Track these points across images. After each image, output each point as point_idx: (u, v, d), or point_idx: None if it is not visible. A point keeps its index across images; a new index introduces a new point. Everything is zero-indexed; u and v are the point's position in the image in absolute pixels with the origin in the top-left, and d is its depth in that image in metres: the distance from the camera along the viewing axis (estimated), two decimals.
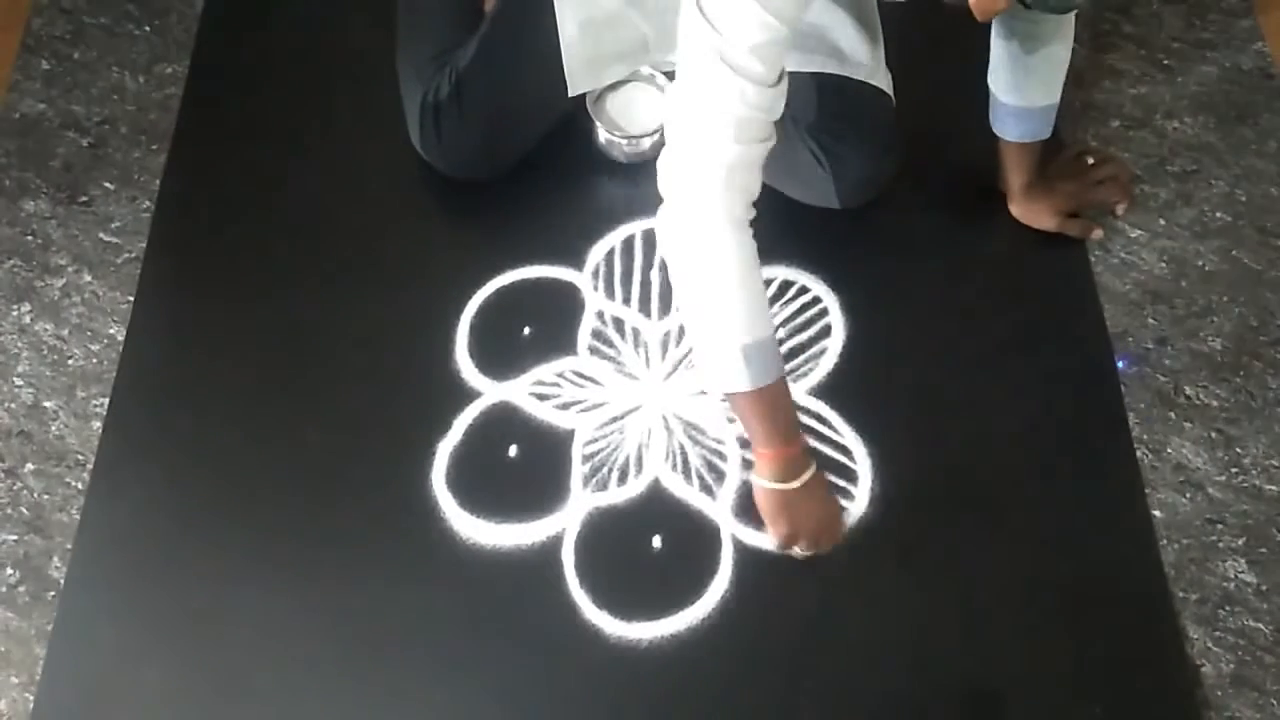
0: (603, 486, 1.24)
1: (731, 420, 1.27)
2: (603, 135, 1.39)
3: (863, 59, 1.31)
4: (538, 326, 1.34)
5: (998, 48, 1.24)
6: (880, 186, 1.34)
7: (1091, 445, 1.27)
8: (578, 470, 1.25)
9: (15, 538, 1.23)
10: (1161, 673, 1.15)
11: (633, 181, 1.43)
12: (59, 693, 1.14)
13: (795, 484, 1.09)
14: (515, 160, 1.39)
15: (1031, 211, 1.36)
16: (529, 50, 1.31)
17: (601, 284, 1.36)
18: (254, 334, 1.34)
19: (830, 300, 1.35)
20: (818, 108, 1.29)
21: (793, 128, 1.30)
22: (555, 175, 1.42)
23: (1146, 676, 1.14)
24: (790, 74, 1.29)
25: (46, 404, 1.31)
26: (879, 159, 1.32)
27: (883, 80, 1.31)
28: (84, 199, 1.45)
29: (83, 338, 1.35)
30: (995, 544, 1.21)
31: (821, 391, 1.29)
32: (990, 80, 1.27)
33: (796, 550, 1.13)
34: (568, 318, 1.34)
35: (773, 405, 1.06)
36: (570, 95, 1.31)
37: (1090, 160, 1.39)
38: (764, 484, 1.10)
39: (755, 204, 1.02)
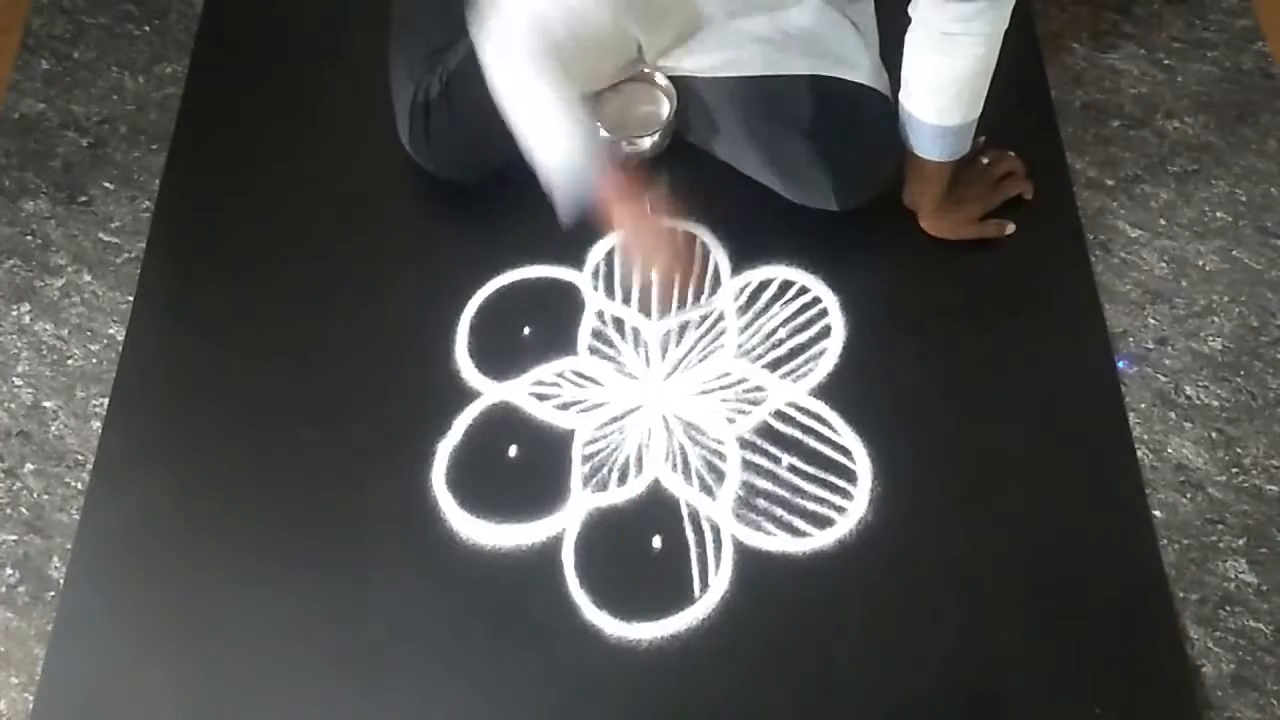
0: (603, 487, 1.24)
1: (731, 421, 1.27)
2: (603, 135, 1.39)
3: (859, 61, 1.30)
4: (538, 326, 1.34)
5: (920, 67, 1.22)
6: (878, 188, 1.33)
7: (1091, 445, 1.26)
8: (578, 470, 1.25)
9: (15, 538, 1.23)
10: (1161, 673, 1.14)
11: None
12: (59, 693, 1.14)
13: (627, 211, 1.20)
14: (503, 163, 1.38)
15: (946, 225, 1.36)
16: None
17: (601, 284, 1.36)
18: (254, 334, 1.34)
19: (830, 300, 1.35)
20: (814, 111, 1.29)
21: (789, 131, 1.30)
22: None
23: (1146, 676, 1.14)
24: (786, 77, 1.30)
25: (46, 404, 1.31)
26: (876, 161, 1.32)
27: (879, 82, 1.31)
28: (83, 199, 1.45)
29: (82, 338, 1.35)
30: (995, 544, 1.20)
31: (821, 391, 1.29)
32: (909, 102, 1.26)
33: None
34: (568, 318, 1.34)
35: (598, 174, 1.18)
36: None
37: (985, 160, 1.38)
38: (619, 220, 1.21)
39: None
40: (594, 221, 1.23)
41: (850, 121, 1.30)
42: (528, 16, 1.15)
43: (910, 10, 1.19)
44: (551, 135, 1.15)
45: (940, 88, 1.23)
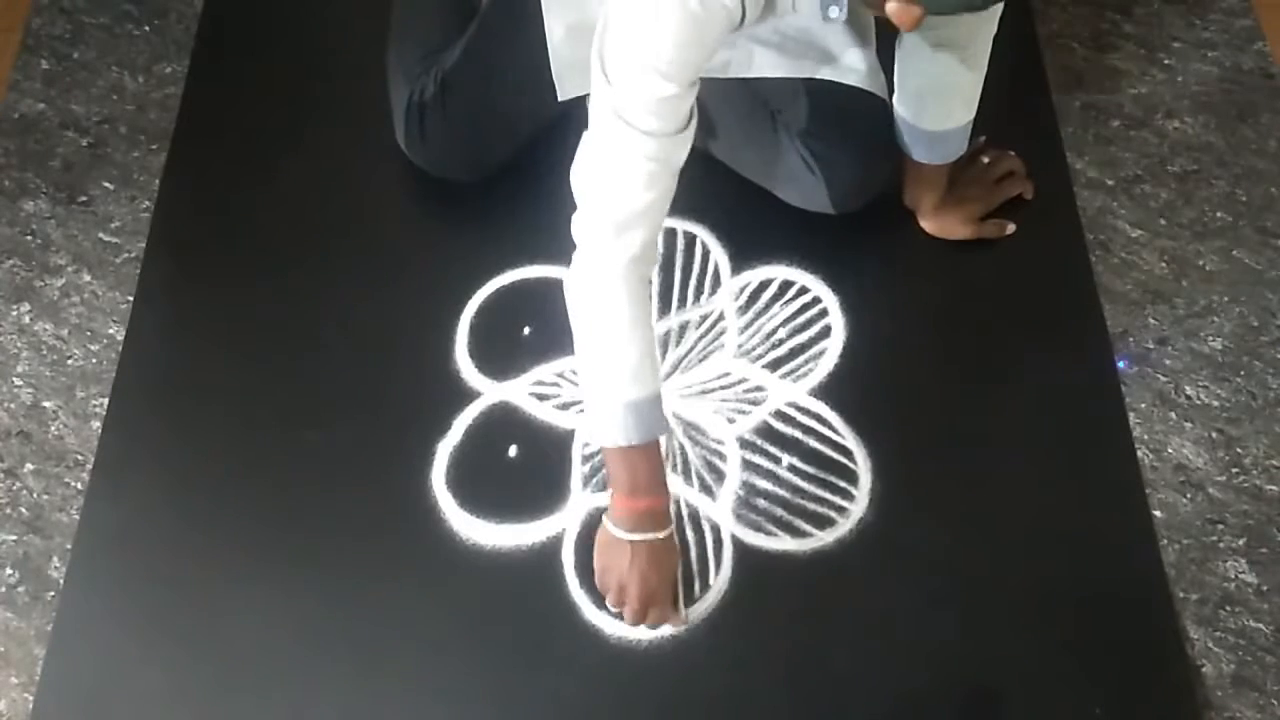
0: (603, 486, 1.23)
1: (731, 421, 1.27)
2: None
3: (855, 63, 1.30)
4: (538, 326, 1.34)
5: (912, 73, 1.23)
6: (874, 191, 1.33)
7: (1091, 445, 1.26)
8: (578, 470, 1.25)
9: (15, 538, 1.23)
10: (1161, 673, 1.14)
11: None
12: (58, 693, 1.14)
13: (638, 537, 1.10)
14: (500, 164, 1.38)
15: (946, 225, 1.36)
16: (516, 53, 1.30)
17: None
18: (253, 334, 1.34)
19: (830, 300, 1.35)
20: (809, 114, 1.29)
21: (784, 134, 1.30)
22: (555, 175, 1.40)
23: (1146, 676, 1.14)
24: (781, 80, 1.30)
25: (46, 404, 1.31)
26: (871, 164, 1.31)
27: (876, 85, 1.31)
28: (83, 199, 1.45)
29: (82, 338, 1.35)
30: (995, 544, 1.20)
31: (821, 391, 1.29)
32: (902, 107, 1.26)
33: (620, 613, 1.13)
34: (567, 318, 1.33)
35: (643, 460, 1.09)
36: (560, 100, 1.29)
37: (985, 159, 1.39)
38: (609, 528, 1.11)
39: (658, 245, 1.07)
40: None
41: (847, 125, 1.29)
42: (632, 242, 1.02)
43: None
44: (608, 401, 1.06)
45: (932, 94, 1.24)
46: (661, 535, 1.11)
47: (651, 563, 1.11)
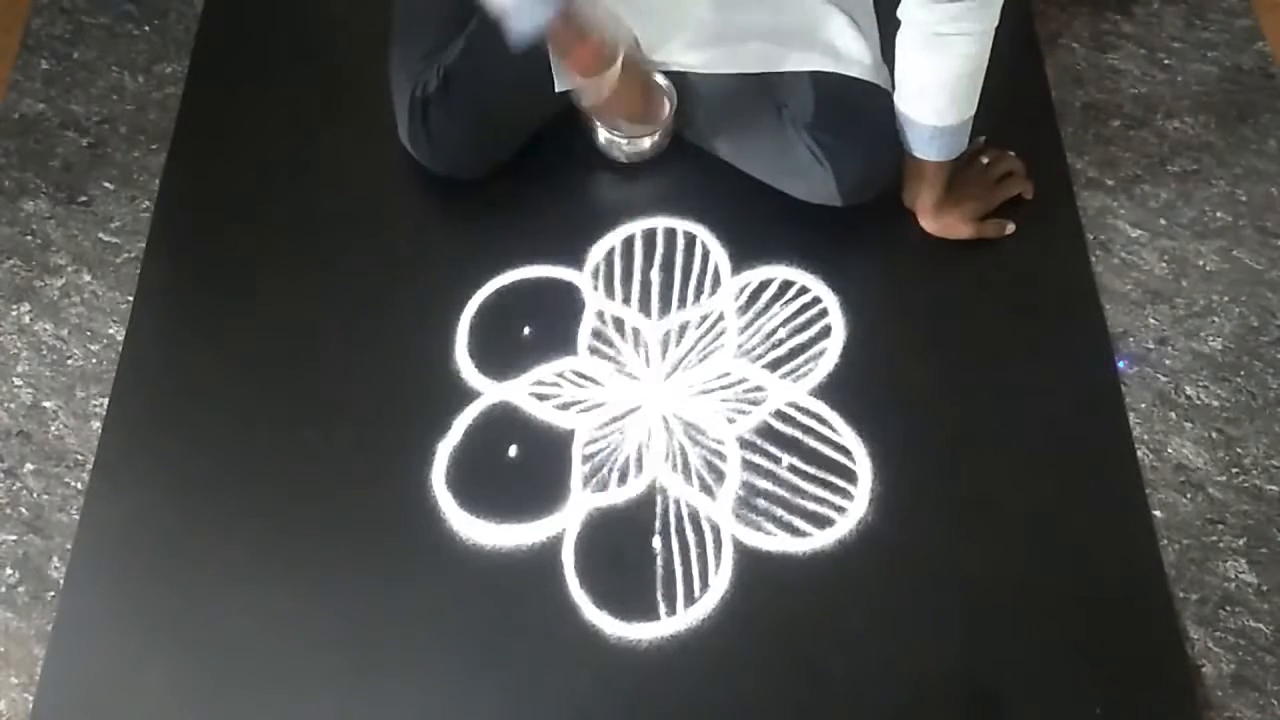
0: (603, 487, 1.23)
1: (731, 421, 1.27)
2: (603, 135, 1.39)
3: (860, 56, 1.30)
4: (538, 326, 1.34)
5: (913, 68, 1.23)
6: (882, 183, 1.33)
7: (1091, 445, 1.26)
8: (578, 470, 1.25)
9: (15, 538, 1.23)
10: (1161, 673, 1.15)
11: (633, 181, 1.42)
12: (58, 693, 1.14)
13: (616, 69, 1.17)
14: (503, 159, 1.39)
15: (946, 225, 1.36)
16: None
17: (601, 284, 1.36)
18: (254, 334, 1.34)
19: (830, 300, 1.35)
20: (815, 106, 1.29)
21: (791, 127, 1.30)
22: (555, 175, 1.42)
23: (1146, 676, 1.14)
24: (788, 74, 1.30)
25: (46, 404, 1.31)
26: (879, 156, 1.32)
27: (881, 77, 1.31)
28: (83, 199, 1.45)
29: (82, 338, 1.35)
30: (995, 544, 1.20)
31: (821, 391, 1.29)
32: (904, 103, 1.26)
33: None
34: (568, 318, 1.34)
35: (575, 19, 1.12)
36: (558, 91, 1.30)
37: (985, 159, 1.39)
38: (598, 79, 1.19)
39: None
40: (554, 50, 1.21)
41: (855, 116, 1.30)
42: None
43: (900, 13, 1.19)
44: None
45: (934, 88, 1.23)
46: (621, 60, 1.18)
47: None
